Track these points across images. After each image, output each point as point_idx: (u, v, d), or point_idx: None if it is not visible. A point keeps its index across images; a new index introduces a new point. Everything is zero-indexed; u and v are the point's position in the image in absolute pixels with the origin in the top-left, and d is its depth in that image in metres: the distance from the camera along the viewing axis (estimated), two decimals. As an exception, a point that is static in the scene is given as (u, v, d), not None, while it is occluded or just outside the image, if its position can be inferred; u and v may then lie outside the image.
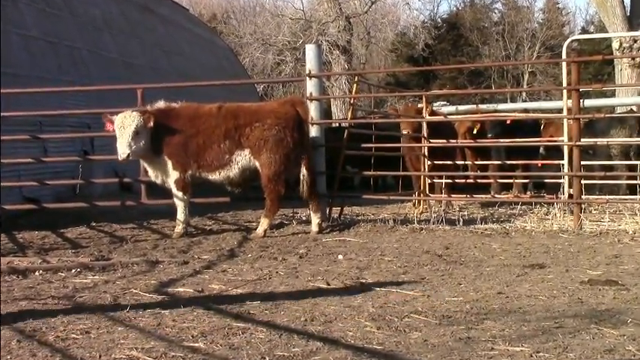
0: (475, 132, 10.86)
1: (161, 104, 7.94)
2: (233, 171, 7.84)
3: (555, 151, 10.33)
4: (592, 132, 10.63)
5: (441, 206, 10.03)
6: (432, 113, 10.57)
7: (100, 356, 3.43)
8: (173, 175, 7.84)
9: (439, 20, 39.09)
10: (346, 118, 11.55)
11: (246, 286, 5.13)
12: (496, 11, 40.84)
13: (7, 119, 8.54)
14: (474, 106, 13.41)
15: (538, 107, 14.81)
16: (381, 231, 7.90)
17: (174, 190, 7.90)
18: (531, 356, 3.36)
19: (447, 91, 26.07)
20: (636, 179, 9.54)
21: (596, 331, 3.76)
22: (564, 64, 9.22)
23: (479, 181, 10.67)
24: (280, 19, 30.43)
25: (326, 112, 17.63)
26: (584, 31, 37.76)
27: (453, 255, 6.36)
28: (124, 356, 3.43)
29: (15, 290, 5.06)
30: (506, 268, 5.69)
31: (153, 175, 8.03)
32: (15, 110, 8.65)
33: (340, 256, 6.40)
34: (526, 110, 14.01)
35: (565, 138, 9.05)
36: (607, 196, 9.01)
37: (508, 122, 10.90)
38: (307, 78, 8.71)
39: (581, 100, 8.92)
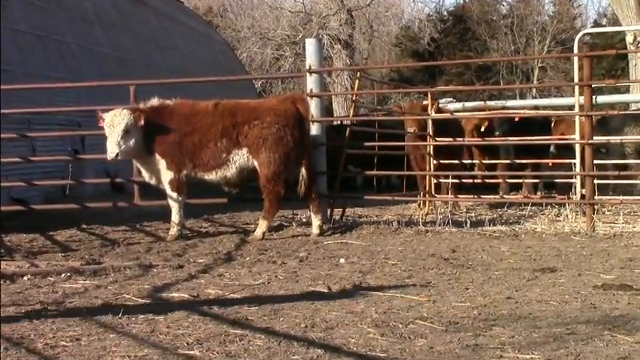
0: (483, 130, 10.86)
1: (155, 101, 7.95)
2: (230, 171, 7.84)
3: (567, 150, 10.34)
4: (605, 130, 10.61)
5: (447, 207, 10.04)
6: (438, 110, 10.57)
7: (91, 364, 3.44)
8: (167, 175, 7.84)
9: (445, 13, 39.16)
10: (348, 116, 11.55)
11: (243, 291, 5.13)
12: (505, 4, 40.92)
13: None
14: (482, 102, 13.44)
15: (549, 104, 14.86)
16: (385, 233, 7.90)
17: (168, 190, 7.90)
18: (542, 364, 3.36)
19: (453, 87, 26.09)
20: (651, 179, 9.55)
21: (609, 337, 3.76)
22: (576, 58, 9.22)
23: (487, 181, 10.68)
24: (279, 12, 30.47)
25: (327, 110, 17.63)
26: (596, 24, 37.76)
27: (460, 258, 6.37)
28: (116, 364, 3.44)
29: (2, 296, 5.06)
30: (515, 272, 5.69)
31: (146, 175, 8.03)
32: (1, 107, 8.65)
33: (342, 260, 6.40)
34: (536, 107, 14.04)
35: (577, 136, 9.05)
36: (621, 197, 9.01)
37: (517, 119, 10.90)
38: (307, 74, 8.71)
39: (594, 97, 8.92)
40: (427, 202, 9.94)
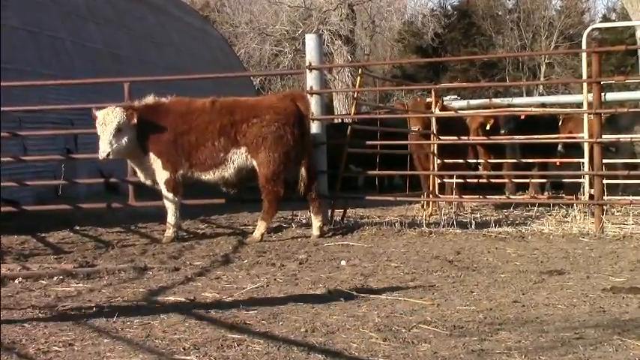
0: (488, 128, 10.87)
1: (150, 99, 7.95)
2: (228, 170, 7.85)
3: (575, 149, 10.34)
4: (614, 128, 10.62)
5: (451, 208, 10.04)
6: (442, 108, 10.57)
7: (84, 370, 3.44)
8: (163, 175, 7.84)
9: (449, 8, 39.26)
10: (349, 114, 11.55)
11: (241, 294, 5.13)
12: (510, -2, 40.93)
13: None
14: (487, 100, 13.44)
15: (556, 101, 14.82)
16: (387, 235, 7.91)
17: (164, 191, 7.90)
18: (549, 370, 3.36)
19: (458, 84, 26.10)
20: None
21: (619, 342, 3.76)
22: (584, 54, 9.22)
23: (492, 181, 10.68)
24: (278, 7, 30.44)
25: (328, 107, 17.64)
26: (605, 19, 37.81)
27: (465, 260, 6.37)
28: (110, 370, 3.44)
29: (-7, 299, 5.06)
30: (522, 274, 5.70)
31: (141, 175, 8.03)
32: (1, 105, 8.64)
33: (343, 262, 6.40)
34: (543, 105, 14.00)
35: (585, 134, 9.05)
36: (631, 197, 9.01)
37: (522, 117, 10.90)
38: (307, 70, 8.71)
39: (603, 94, 8.91)
40: (431, 202, 9.94)
